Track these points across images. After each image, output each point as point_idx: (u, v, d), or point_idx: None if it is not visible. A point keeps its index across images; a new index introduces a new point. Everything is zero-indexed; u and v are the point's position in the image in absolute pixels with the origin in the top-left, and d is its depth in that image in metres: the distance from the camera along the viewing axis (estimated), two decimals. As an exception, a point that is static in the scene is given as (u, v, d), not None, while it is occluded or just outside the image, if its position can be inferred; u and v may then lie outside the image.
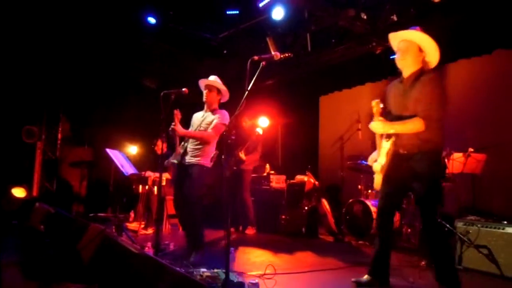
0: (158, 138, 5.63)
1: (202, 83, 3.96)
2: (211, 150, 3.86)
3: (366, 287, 2.96)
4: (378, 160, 2.96)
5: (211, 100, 3.90)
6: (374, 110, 2.92)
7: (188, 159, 3.77)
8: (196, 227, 3.76)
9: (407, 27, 2.77)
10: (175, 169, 3.96)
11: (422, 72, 2.83)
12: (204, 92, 3.90)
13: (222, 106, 4.05)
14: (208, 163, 3.80)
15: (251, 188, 6.02)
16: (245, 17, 6.30)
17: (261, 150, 6.11)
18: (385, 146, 2.91)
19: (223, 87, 3.93)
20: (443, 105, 2.82)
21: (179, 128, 3.68)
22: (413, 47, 2.83)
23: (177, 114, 3.75)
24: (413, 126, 2.74)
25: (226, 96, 3.99)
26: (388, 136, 2.88)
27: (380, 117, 2.91)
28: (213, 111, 3.90)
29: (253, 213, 5.88)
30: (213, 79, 3.93)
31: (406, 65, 2.88)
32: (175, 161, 3.88)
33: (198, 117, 4.02)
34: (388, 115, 2.97)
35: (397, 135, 2.84)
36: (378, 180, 3.00)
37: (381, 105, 2.93)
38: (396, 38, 2.94)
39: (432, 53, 2.83)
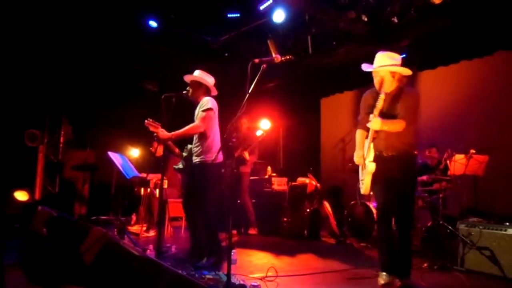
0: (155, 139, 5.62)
1: (186, 79, 3.89)
2: (213, 144, 3.72)
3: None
4: (367, 159, 3.14)
5: (195, 95, 3.81)
6: (378, 107, 3.08)
7: (194, 159, 3.75)
8: (213, 233, 3.68)
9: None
10: (182, 175, 3.90)
11: (401, 88, 3.21)
12: (187, 89, 3.81)
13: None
14: (214, 158, 3.55)
15: (252, 190, 6.02)
16: (246, 20, 6.31)
17: (257, 152, 6.12)
18: (371, 147, 3.18)
19: (206, 81, 3.83)
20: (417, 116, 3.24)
21: (162, 133, 3.53)
22: (385, 73, 3.17)
23: (150, 122, 3.58)
24: (398, 124, 3.05)
25: (212, 89, 3.88)
26: (372, 140, 3.16)
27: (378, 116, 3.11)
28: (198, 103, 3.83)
29: (254, 215, 5.88)
30: (197, 73, 3.87)
31: (387, 87, 3.19)
32: (179, 167, 3.85)
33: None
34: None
35: (379, 141, 3.16)
36: (368, 181, 3.14)
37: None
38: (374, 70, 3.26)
39: (403, 70, 3.18)
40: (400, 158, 3.12)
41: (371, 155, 3.15)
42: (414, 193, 3.31)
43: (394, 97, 3.19)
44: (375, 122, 3.08)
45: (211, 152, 3.65)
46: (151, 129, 3.55)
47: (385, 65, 3.14)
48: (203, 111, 3.66)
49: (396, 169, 3.10)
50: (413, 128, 3.19)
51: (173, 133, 3.60)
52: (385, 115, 3.14)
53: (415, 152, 3.25)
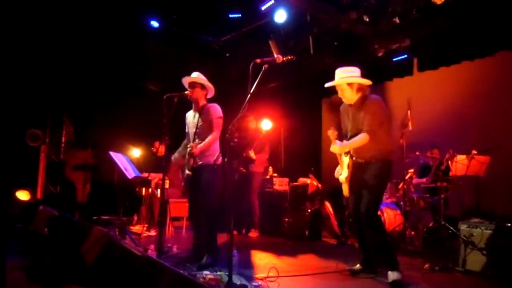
0: (156, 140, 5.63)
1: (185, 81, 3.93)
2: (215, 147, 3.86)
3: (359, 273, 3.47)
4: (342, 173, 3.53)
5: (196, 97, 3.86)
6: (331, 138, 3.50)
7: (198, 160, 3.79)
8: (212, 232, 3.79)
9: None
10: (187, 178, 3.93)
11: (364, 98, 3.45)
12: (188, 90, 3.86)
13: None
14: (215, 159, 3.76)
15: (254, 190, 6.00)
16: (247, 20, 6.31)
17: (269, 150, 6.08)
18: (345, 160, 3.51)
19: (206, 83, 3.89)
20: (384, 121, 3.40)
21: (196, 150, 3.72)
22: (343, 86, 3.46)
23: (194, 146, 3.74)
24: (360, 140, 3.31)
25: (211, 91, 3.96)
26: (347, 152, 3.50)
27: (337, 141, 3.49)
28: (202, 108, 3.88)
29: (258, 217, 5.86)
30: (196, 75, 3.91)
31: (348, 99, 3.50)
32: (188, 172, 3.84)
33: (191, 118, 4.00)
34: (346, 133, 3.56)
35: (354, 150, 3.45)
36: (345, 188, 3.55)
37: (336, 132, 3.54)
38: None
39: (360, 80, 3.42)
40: (371, 164, 3.37)
41: (344, 167, 3.52)
42: (378, 196, 3.50)
43: (358, 107, 3.44)
44: (333, 149, 3.49)
45: (213, 155, 3.77)
46: (192, 146, 3.76)
47: (342, 77, 3.43)
48: (217, 118, 3.82)
49: (364, 174, 3.38)
50: (384, 134, 3.37)
51: (201, 146, 3.74)
52: (353, 125, 3.46)
53: (389, 158, 3.43)
